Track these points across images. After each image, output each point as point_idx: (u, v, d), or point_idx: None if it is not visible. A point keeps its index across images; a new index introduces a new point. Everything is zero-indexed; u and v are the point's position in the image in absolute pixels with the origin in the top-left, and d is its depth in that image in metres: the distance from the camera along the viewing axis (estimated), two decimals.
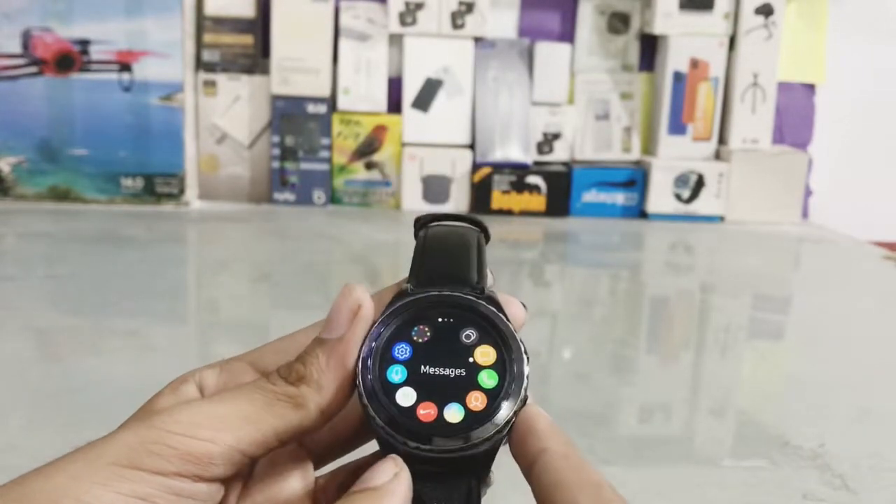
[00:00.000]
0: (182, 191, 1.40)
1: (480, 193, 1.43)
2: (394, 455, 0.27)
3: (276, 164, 1.42)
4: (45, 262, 1.13)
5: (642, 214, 1.47)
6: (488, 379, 0.28)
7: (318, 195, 1.43)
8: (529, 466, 0.27)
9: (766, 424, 0.75)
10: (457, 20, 1.42)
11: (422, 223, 0.33)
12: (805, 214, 1.53)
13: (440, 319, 0.28)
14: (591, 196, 1.46)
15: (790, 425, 0.74)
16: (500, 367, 0.28)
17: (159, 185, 1.39)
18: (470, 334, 0.28)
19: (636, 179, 1.47)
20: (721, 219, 1.47)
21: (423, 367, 0.28)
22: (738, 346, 0.99)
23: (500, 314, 0.28)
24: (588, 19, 1.48)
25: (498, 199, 1.44)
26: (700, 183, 1.45)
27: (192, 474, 0.25)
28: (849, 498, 0.62)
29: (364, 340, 0.28)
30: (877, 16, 1.56)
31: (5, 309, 0.95)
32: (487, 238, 0.32)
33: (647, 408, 0.79)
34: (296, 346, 0.30)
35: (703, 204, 1.46)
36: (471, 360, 0.28)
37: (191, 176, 1.41)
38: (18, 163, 1.37)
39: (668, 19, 1.43)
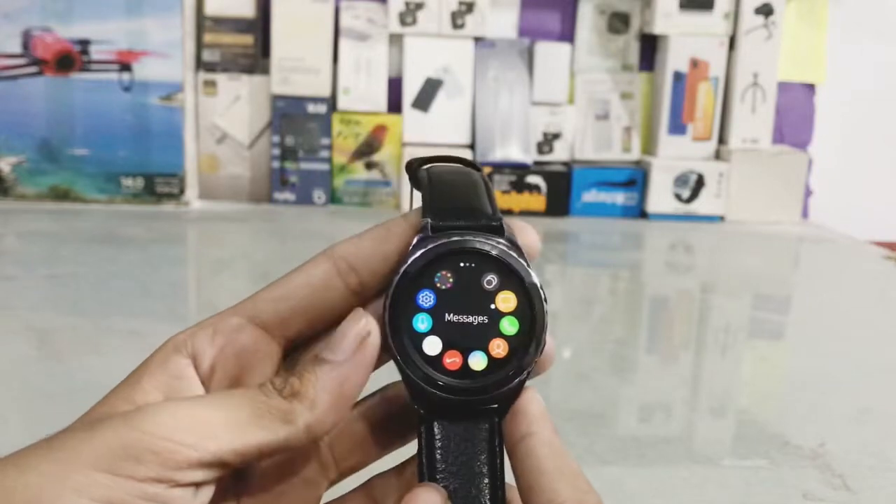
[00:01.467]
0: (182, 191, 1.40)
1: None
2: (361, 313, 0.27)
3: (276, 164, 1.42)
4: (45, 262, 1.13)
5: (642, 214, 1.47)
6: (509, 326, 0.28)
7: (319, 195, 1.43)
8: (514, 445, 0.28)
9: (766, 424, 0.75)
10: (457, 20, 1.42)
11: (417, 165, 0.32)
12: (805, 214, 1.53)
13: (462, 264, 0.28)
14: (591, 196, 1.46)
15: (790, 425, 0.74)
16: (520, 313, 0.28)
17: (159, 185, 1.39)
18: (491, 280, 0.28)
19: (636, 179, 1.47)
20: (721, 219, 1.47)
21: (447, 314, 0.28)
22: (738, 345, 0.99)
23: (521, 259, 0.28)
24: (588, 19, 1.48)
25: (498, 199, 1.43)
26: (700, 183, 1.45)
27: (169, 480, 0.24)
28: (849, 498, 0.62)
29: (390, 285, 0.28)
30: (877, 16, 1.56)
31: (5, 309, 0.95)
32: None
33: (647, 408, 0.79)
34: (293, 290, 0.29)
35: (703, 204, 1.46)
36: (493, 306, 0.28)
37: (191, 176, 1.41)
38: (18, 162, 1.37)
39: (668, 19, 1.43)
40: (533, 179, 1.44)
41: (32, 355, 0.83)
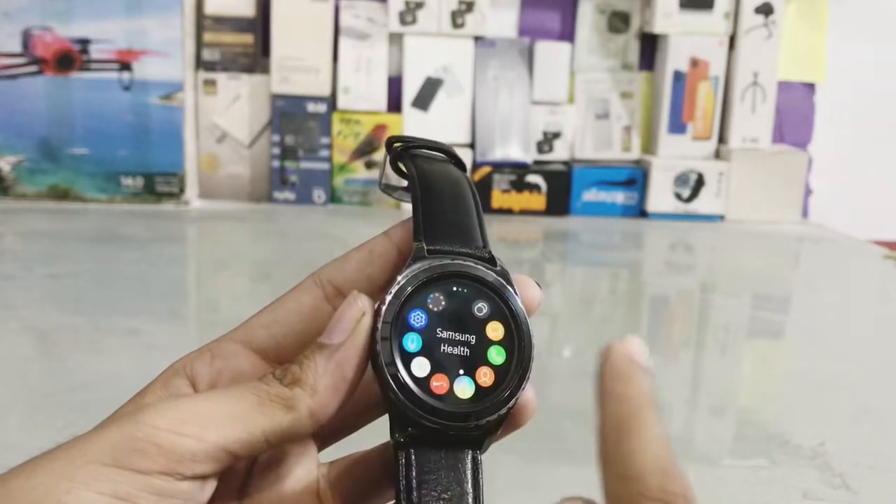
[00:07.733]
0: (182, 190, 1.40)
1: (480, 192, 1.42)
2: (356, 295, 0.27)
3: (276, 164, 1.42)
4: (45, 262, 1.13)
5: (642, 213, 1.47)
6: (497, 355, 0.28)
7: (318, 194, 1.43)
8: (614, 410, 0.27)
9: (766, 424, 0.75)
10: (457, 19, 1.42)
11: (401, 149, 0.32)
12: (805, 214, 1.53)
13: (455, 289, 0.28)
14: (591, 195, 1.46)
15: (790, 425, 0.74)
16: (508, 344, 0.28)
17: (159, 185, 1.39)
18: (482, 307, 0.28)
19: (636, 178, 1.47)
20: (721, 218, 1.47)
21: (437, 337, 0.28)
22: (738, 345, 0.99)
23: (514, 292, 0.28)
24: (588, 18, 1.48)
25: (498, 199, 1.44)
26: (700, 182, 1.45)
27: (175, 472, 0.24)
28: (849, 498, 0.62)
29: (384, 300, 0.28)
30: (877, 16, 1.56)
31: (5, 309, 0.95)
32: (464, 170, 0.33)
33: None
34: (284, 316, 0.30)
35: (703, 203, 1.46)
36: (481, 334, 0.28)
37: (191, 175, 1.41)
38: (18, 162, 1.37)
39: (668, 18, 1.43)
40: (533, 179, 1.44)
41: (32, 355, 0.83)
